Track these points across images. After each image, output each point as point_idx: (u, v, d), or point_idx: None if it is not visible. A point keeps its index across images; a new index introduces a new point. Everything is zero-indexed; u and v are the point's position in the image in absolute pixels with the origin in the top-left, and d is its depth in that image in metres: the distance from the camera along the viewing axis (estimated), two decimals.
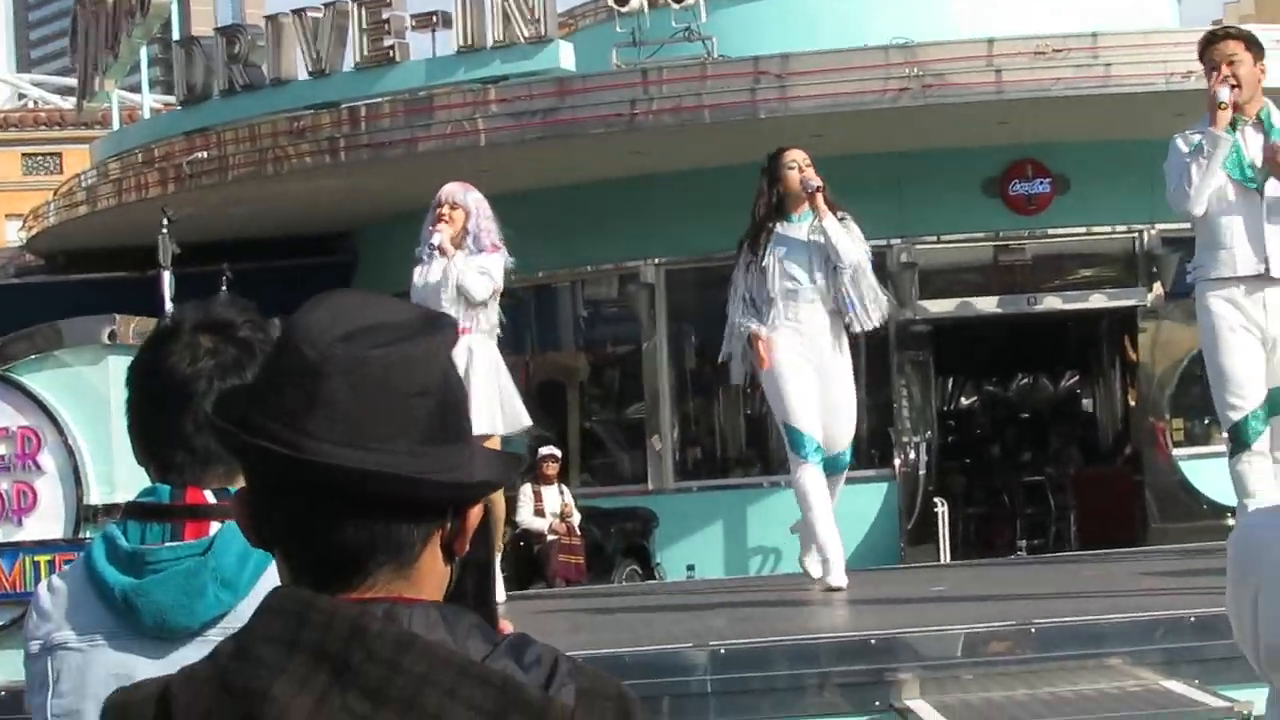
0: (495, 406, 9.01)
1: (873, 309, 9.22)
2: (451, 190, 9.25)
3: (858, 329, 9.24)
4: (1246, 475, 7.61)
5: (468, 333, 8.94)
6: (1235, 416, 7.60)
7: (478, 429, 8.61)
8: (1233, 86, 7.70)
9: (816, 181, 9.23)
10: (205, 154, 17.72)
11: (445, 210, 9.17)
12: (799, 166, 9.32)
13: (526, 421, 9.32)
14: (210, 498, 2.68)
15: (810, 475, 9.09)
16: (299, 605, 1.76)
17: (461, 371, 8.13)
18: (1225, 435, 7.76)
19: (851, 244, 9.17)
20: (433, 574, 1.82)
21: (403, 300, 1.90)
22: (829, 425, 9.20)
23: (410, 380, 1.77)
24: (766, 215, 9.34)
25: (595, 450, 19.32)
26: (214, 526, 2.64)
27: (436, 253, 9.08)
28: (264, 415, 1.76)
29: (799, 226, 9.27)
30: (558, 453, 16.54)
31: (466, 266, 9.02)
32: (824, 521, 9.07)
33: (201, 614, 2.59)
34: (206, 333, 2.73)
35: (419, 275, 9.17)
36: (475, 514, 1.84)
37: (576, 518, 16.04)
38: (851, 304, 9.17)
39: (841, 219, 9.26)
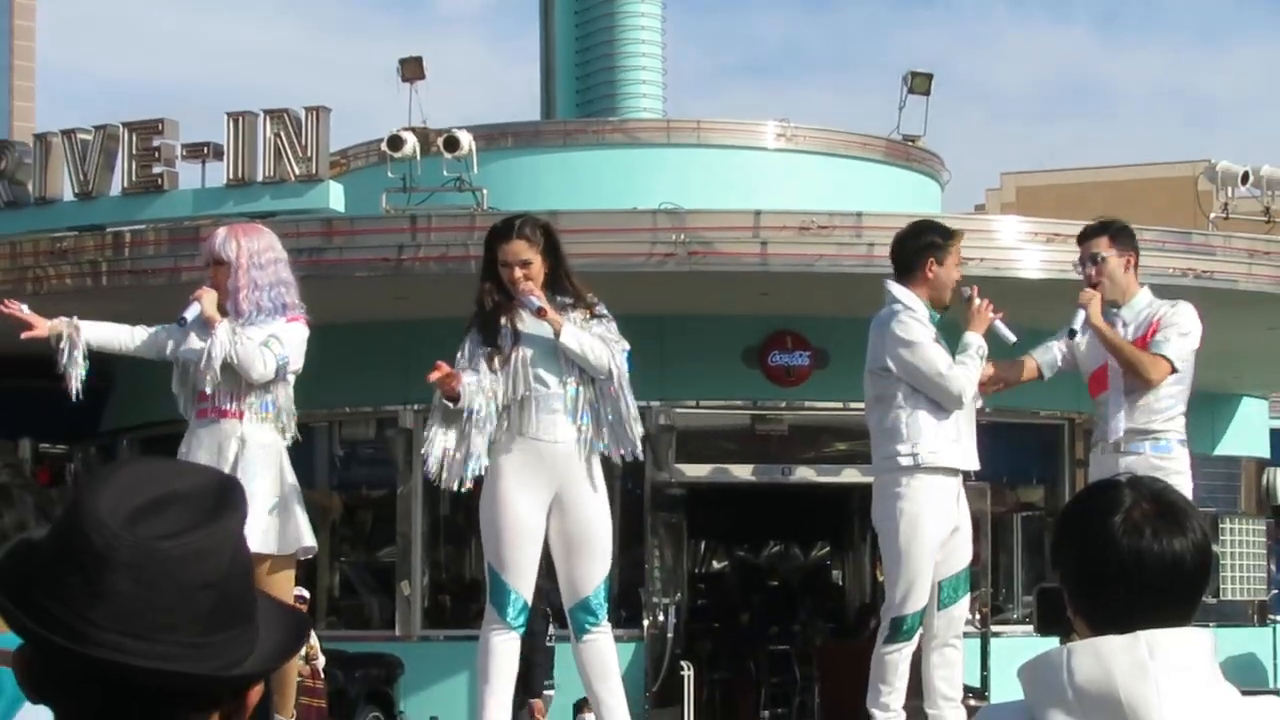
0: (269, 520, 7.15)
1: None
2: (212, 245, 7.33)
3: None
4: (896, 665, 7.75)
5: (239, 417, 7.22)
6: (907, 610, 7.69)
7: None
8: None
9: (537, 301, 7.04)
10: None
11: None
12: (512, 264, 7.03)
13: (309, 542, 7.37)
14: None
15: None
16: None
17: (229, 466, 6.60)
18: (887, 623, 7.85)
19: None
20: None
21: (194, 466, 1.93)
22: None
23: (196, 573, 1.79)
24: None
25: (344, 593, 19.06)
26: None
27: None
28: (46, 596, 1.77)
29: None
30: (306, 593, 16.25)
31: (243, 334, 7.18)
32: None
33: None
34: None
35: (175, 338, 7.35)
36: (255, 693, 1.88)
37: (321, 661, 15.63)
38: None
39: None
